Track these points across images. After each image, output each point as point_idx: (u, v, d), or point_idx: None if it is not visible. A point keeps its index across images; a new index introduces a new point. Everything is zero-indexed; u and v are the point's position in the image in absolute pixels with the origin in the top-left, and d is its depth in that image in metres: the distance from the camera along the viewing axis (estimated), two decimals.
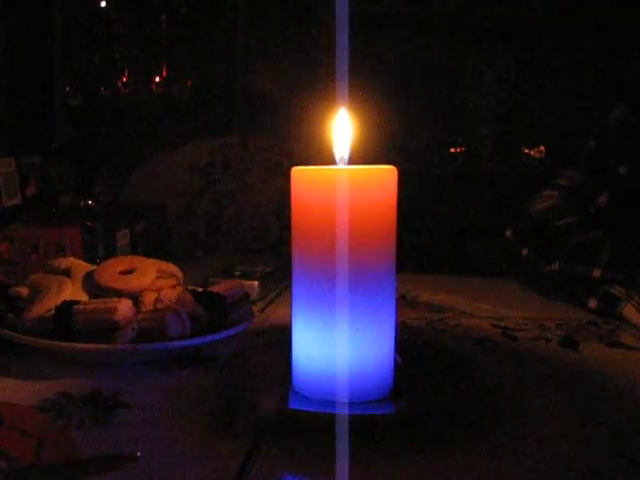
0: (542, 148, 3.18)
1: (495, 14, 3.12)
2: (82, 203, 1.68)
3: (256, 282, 1.31)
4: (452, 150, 3.26)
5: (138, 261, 1.09)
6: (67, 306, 0.96)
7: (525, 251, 1.41)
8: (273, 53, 3.22)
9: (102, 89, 3.23)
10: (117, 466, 0.65)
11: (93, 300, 0.99)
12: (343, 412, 0.70)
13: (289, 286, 0.82)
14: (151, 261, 1.10)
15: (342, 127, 0.78)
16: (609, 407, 0.85)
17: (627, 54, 3.04)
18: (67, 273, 1.07)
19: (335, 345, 0.74)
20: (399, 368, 0.81)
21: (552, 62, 3.20)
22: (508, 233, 1.48)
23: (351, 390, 0.74)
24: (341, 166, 0.77)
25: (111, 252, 1.40)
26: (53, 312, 0.96)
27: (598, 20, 3.08)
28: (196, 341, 0.97)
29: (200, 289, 1.08)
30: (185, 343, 0.95)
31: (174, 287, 1.07)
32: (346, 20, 0.74)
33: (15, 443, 0.67)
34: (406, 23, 3.16)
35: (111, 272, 1.06)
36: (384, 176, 0.76)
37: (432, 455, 0.70)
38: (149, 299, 1.01)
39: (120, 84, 3.23)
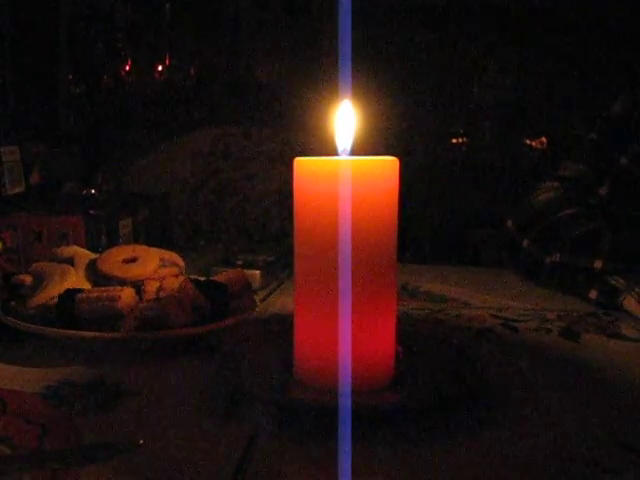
0: (544, 139, 3.17)
1: (496, 4, 3.12)
2: (85, 192, 1.69)
3: (258, 271, 1.32)
4: (453, 141, 3.26)
5: (140, 250, 1.10)
6: (70, 294, 0.96)
7: (526, 242, 1.41)
8: (276, 43, 3.22)
9: (105, 78, 3.23)
10: (120, 453, 0.65)
11: (96, 288, 0.99)
12: (344, 401, 0.71)
13: (291, 275, 0.82)
14: (153, 250, 1.10)
15: (344, 118, 0.78)
16: (610, 398, 0.85)
17: (629, 46, 3.03)
18: (70, 261, 1.07)
19: (336, 334, 0.75)
20: (400, 358, 0.82)
21: (554, 53, 3.20)
22: (509, 224, 1.48)
23: (352, 379, 0.74)
24: (343, 157, 0.77)
25: (114, 241, 1.40)
26: (56, 300, 0.97)
27: (601, 10, 3.07)
28: (198, 330, 0.97)
29: (202, 278, 1.09)
30: (187, 332, 0.96)
31: (176, 276, 1.07)
32: (349, 11, 0.74)
33: (19, 430, 0.68)
34: (408, 14, 3.15)
35: (114, 260, 1.06)
36: (386, 167, 0.76)
37: (433, 444, 0.71)
38: (151, 288, 1.02)
39: (123, 73, 3.23)
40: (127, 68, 3.23)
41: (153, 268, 1.06)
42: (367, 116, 0.82)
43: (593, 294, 1.26)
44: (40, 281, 1.02)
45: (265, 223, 2.06)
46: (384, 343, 0.78)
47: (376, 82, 2.84)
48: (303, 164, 0.77)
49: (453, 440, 0.72)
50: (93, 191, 1.70)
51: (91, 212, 1.39)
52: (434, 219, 3.07)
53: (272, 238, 2.04)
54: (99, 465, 0.63)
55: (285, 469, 0.67)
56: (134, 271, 1.04)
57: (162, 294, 1.00)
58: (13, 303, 1.02)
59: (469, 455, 0.69)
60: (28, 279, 1.04)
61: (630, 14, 3.00)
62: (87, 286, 1.02)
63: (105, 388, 0.84)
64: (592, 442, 0.72)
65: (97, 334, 0.93)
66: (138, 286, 1.02)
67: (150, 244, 1.15)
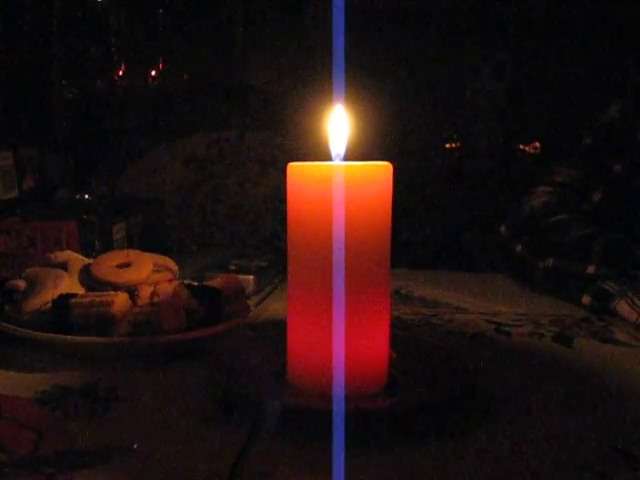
0: (537, 144, 3.18)
1: (491, 9, 3.13)
2: (78, 197, 1.69)
3: (251, 276, 1.32)
4: (447, 146, 3.26)
5: (134, 255, 1.10)
6: (64, 299, 0.96)
7: (519, 247, 1.41)
8: (270, 47, 3.22)
9: (98, 82, 3.23)
10: (114, 458, 0.65)
11: (90, 293, 0.99)
12: (338, 406, 0.71)
13: (284, 280, 0.82)
14: (147, 255, 1.11)
15: (338, 123, 0.79)
16: (602, 402, 0.86)
17: (624, 51, 3.04)
18: (64, 266, 1.07)
19: (330, 339, 0.75)
20: (393, 363, 0.82)
21: (548, 58, 3.20)
22: (502, 229, 1.48)
23: (346, 384, 0.74)
24: (337, 162, 0.78)
25: (107, 246, 1.40)
26: (50, 305, 0.97)
27: (595, 16, 3.08)
28: (192, 335, 0.97)
29: (196, 283, 1.09)
30: (180, 337, 0.96)
31: (170, 281, 1.07)
32: (342, 16, 0.75)
33: (13, 435, 0.68)
34: (402, 19, 3.16)
35: (107, 265, 1.06)
36: (379, 172, 0.76)
37: (426, 449, 0.71)
38: (145, 293, 1.02)
39: (117, 77, 3.23)
40: (120, 73, 3.23)
41: (147, 273, 1.06)
42: (361, 121, 0.82)
43: (586, 299, 1.26)
44: (34, 286, 1.02)
45: (259, 228, 2.06)
46: (377, 348, 0.79)
47: (370, 87, 2.85)
48: (297, 169, 0.77)
49: (446, 444, 0.72)
50: (87, 196, 1.70)
51: (85, 217, 1.39)
52: (427, 224, 3.08)
53: (266, 243, 2.04)
54: (93, 469, 0.64)
55: (279, 473, 0.67)
56: (128, 276, 1.05)
57: (156, 299, 1.00)
58: (7, 308, 1.02)
59: (462, 459, 0.69)
60: (22, 284, 1.04)
61: (626, 19, 3.01)
62: (81, 291, 1.02)
63: (99, 393, 0.84)
64: (586, 446, 0.73)
65: (91, 339, 0.93)
66: (132, 291, 1.02)
67: (144, 249, 1.15)
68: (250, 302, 1.18)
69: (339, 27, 0.73)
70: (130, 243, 1.51)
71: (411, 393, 0.80)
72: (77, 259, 1.10)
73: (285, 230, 0.78)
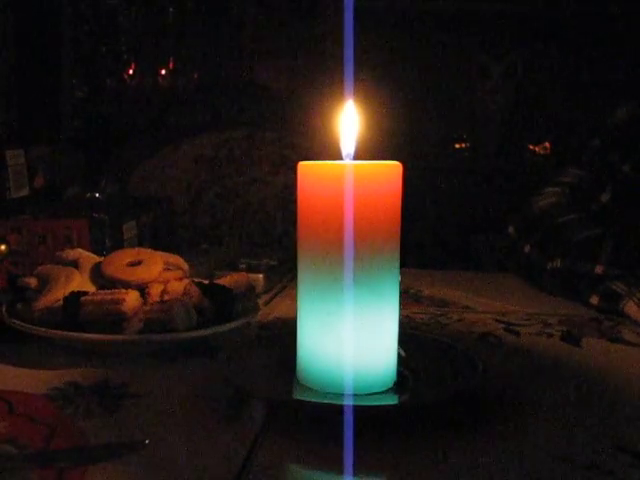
0: (547, 145, 3.17)
1: (502, 10, 3.12)
2: (89, 195, 1.69)
3: (261, 275, 1.32)
4: (457, 146, 3.26)
5: (145, 253, 1.10)
6: (75, 297, 0.97)
7: (527, 247, 1.41)
8: (280, 47, 3.22)
9: (108, 81, 3.23)
10: (125, 453, 0.66)
11: (100, 291, 1.00)
12: (347, 403, 0.71)
13: (294, 279, 0.83)
14: (158, 253, 1.11)
15: (348, 122, 0.79)
16: (609, 402, 0.86)
17: (633, 53, 3.04)
18: (75, 264, 1.08)
19: (339, 338, 0.75)
20: (402, 361, 0.82)
21: (558, 59, 3.20)
22: (511, 229, 1.49)
23: (355, 382, 0.75)
24: (347, 161, 0.78)
25: (118, 244, 1.41)
26: (61, 303, 0.97)
27: (605, 18, 3.07)
28: (202, 333, 0.98)
29: (206, 281, 1.09)
30: (191, 335, 0.96)
31: (180, 279, 1.08)
32: (353, 15, 0.75)
33: (25, 430, 0.69)
34: (412, 19, 3.16)
35: (118, 264, 1.07)
36: (389, 172, 0.77)
37: (434, 446, 0.71)
38: (156, 291, 1.02)
39: (127, 76, 3.23)
40: (131, 72, 3.24)
41: (157, 271, 1.06)
42: (371, 121, 0.83)
43: (594, 299, 1.26)
44: (45, 284, 1.03)
45: (269, 227, 2.07)
46: (387, 346, 0.79)
47: (380, 86, 2.85)
48: (307, 168, 0.77)
49: (453, 442, 0.73)
50: (97, 194, 1.70)
51: (95, 215, 1.39)
52: (437, 224, 3.08)
53: (276, 242, 2.05)
54: (104, 465, 0.64)
55: (288, 470, 0.67)
56: (138, 274, 1.05)
57: (166, 297, 1.01)
58: (19, 306, 1.03)
59: (469, 457, 0.70)
60: (33, 282, 1.05)
61: (636, 20, 3.00)
62: (92, 289, 1.03)
63: (110, 390, 0.84)
64: (591, 446, 0.73)
65: (101, 337, 0.93)
66: (142, 289, 1.02)
67: (154, 247, 1.16)
68: (260, 300, 1.19)
69: (350, 27, 0.74)
70: (141, 241, 1.52)
71: (419, 391, 0.80)
72: (88, 257, 1.10)
73: (295, 229, 0.79)
